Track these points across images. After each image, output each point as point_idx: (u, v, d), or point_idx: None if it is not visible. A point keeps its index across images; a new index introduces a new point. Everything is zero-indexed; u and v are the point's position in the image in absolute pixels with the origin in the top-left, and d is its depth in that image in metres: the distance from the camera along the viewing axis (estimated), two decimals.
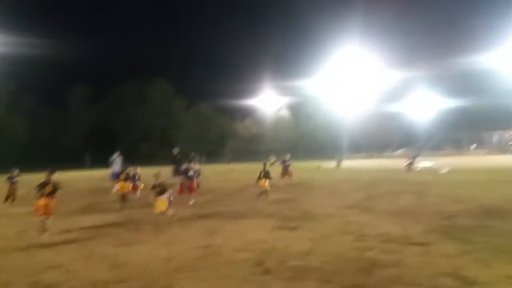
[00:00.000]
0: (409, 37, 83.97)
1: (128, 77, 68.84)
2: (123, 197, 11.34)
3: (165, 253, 5.94)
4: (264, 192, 11.63)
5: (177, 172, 18.87)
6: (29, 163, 35.95)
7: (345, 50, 54.43)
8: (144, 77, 67.62)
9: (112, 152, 19.54)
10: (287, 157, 18.58)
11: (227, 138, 72.56)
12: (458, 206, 8.97)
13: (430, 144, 67.49)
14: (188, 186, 11.99)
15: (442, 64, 59.63)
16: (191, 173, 12.14)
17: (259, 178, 11.74)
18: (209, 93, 72.00)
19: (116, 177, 14.48)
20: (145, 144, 68.07)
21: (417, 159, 24.77)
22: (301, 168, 28.23)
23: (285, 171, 17.95)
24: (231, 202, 11.31)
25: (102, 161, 27.92)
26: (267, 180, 11.73)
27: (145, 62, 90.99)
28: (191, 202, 11.29)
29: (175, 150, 20.64)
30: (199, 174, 13.07)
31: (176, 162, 19.46)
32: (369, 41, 60.95)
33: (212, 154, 64.73)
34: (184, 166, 13.20)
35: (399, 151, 61.49)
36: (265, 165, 12.14)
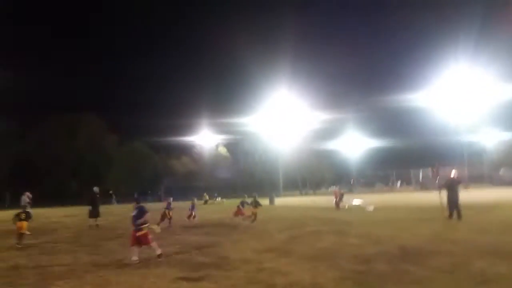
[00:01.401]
0: (339, 80, 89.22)
1: (55, 112, 64.38)
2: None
3: None
4: (250, 217, 15.56)
5: (93, 214, 17.27)
6: None
7: (279, 91, 56.11)
8: (73, 112, 64.07)
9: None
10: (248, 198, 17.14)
11: (162, 175, 70.01)
12: (376, 248, 8.64)
13: (361, 182, 70.22)
14: (141, 235, 8.38)
15: (372, 104, 63.52)
16: (140, 218, 8.47)
17: (253, 205, 15.78)
18: (144, 130, 68.98)
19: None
20: (74, 181, 63.67)
21: (347, 197, 25.12)
22: (234, 205, 27.30)
23: (240, 212, 16.83)
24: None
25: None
26: (256, 207, 15.74)
27: (76, 97, 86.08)
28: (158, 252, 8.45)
29: (96, 189, 18.64)
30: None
31: (93, 202, 17.61)
32: (301, 83, 63.73)
33: (145, 192, 61.75)
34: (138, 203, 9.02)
35: (332, 188, 63.10)
36: (254, 196, 16.24)
